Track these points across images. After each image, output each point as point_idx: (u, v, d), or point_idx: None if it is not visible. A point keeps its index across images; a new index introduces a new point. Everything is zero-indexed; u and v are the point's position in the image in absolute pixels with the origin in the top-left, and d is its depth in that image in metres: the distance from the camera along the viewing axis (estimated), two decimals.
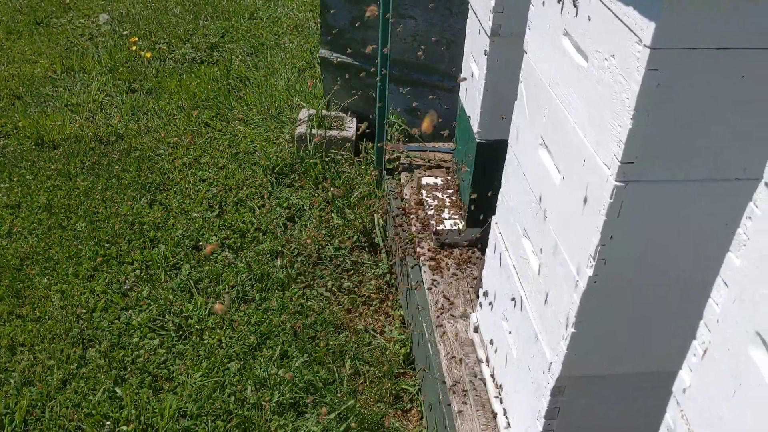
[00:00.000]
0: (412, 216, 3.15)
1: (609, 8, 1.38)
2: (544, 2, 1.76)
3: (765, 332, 0.88)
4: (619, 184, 1.40)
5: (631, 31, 1.29)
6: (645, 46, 1.25)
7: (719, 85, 1.30)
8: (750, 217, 0.91)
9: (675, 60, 1.26)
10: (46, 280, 3.18)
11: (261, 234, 3.50)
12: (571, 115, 1.59)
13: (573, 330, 1.61)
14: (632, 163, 1.37)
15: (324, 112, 4.12)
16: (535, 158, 1.84)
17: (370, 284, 3.20)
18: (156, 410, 2.57)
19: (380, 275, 3.25)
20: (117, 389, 2.65)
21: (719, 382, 0.97)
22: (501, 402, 2.19)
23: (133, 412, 2.56)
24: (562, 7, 1.62)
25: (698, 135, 1.36)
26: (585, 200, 1.52)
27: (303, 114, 4.16)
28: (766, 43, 1.26)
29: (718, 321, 0.98)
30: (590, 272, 1.52)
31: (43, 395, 2.63)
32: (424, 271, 2.83)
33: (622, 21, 1.33)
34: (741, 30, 1.24)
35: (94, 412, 2.56)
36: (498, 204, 2.23)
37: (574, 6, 1.57)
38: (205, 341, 2.87)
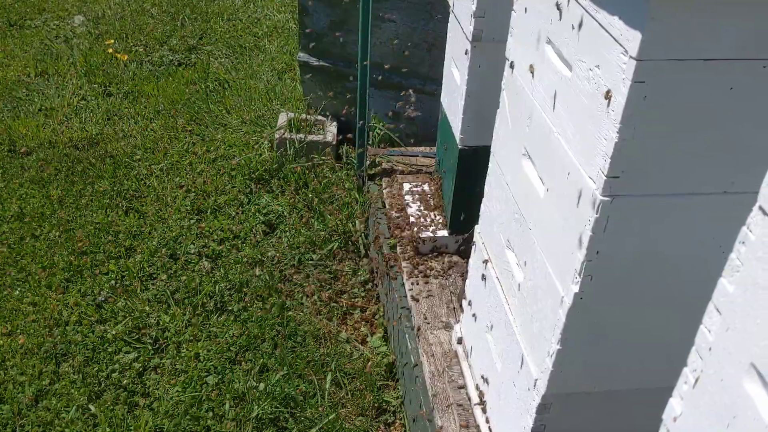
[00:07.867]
0: (393, 222, 3.09)
1: (594, 17, 1.33)
2: (526, 8, 1.71)
3: (761, 364, 0.84)
4: (605, 198, 1.35)
5: (617, 41, 1.24)
6: (631, 57, 1.20)
7: (707, 97, 1.26)
8: (744, 242, 0.86)
9: (662, 72, 1.21)
10: (17, 292, 3.09)
11: (240, 242, 3.43)
12: (555, 126, 1.54)
13: (559, 347, 1.57)
14: (618, 177, 1.32)
15: (304, 116, 4.05)
16: (519, 168, 1.79)
17: (352, 292, 3.14)
18: (131, 427, 2.49)
19: (362, 283, 3.19)
20: (91, 406, 2.57)
21: (712, 414, 0.92)
22: (485, 417, 2.14)
23: (108, 430, 2.48)
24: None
25: (685, 148, 1.32)
26: (570, 214, 1.47)
27: (282, 118, 4.09)
28: (756, 54, 1.22)
29: (710, 349, 0.93)
30: (576, 288, 1.47)
31: (14, 413, 2.55)
32: (406, 279, 2.78)
33: (607, 31, 1.28)
34: (729, 40, 1.20)
35: (67, 430, 2.48)
36: (481, 213, 2.18)
37: (558, 9, 1.52)
38: (183, 354, 2.79)
